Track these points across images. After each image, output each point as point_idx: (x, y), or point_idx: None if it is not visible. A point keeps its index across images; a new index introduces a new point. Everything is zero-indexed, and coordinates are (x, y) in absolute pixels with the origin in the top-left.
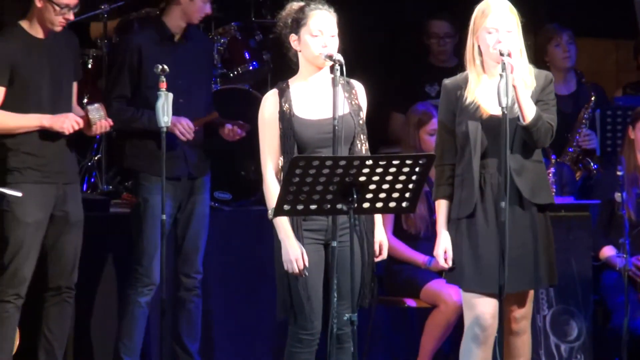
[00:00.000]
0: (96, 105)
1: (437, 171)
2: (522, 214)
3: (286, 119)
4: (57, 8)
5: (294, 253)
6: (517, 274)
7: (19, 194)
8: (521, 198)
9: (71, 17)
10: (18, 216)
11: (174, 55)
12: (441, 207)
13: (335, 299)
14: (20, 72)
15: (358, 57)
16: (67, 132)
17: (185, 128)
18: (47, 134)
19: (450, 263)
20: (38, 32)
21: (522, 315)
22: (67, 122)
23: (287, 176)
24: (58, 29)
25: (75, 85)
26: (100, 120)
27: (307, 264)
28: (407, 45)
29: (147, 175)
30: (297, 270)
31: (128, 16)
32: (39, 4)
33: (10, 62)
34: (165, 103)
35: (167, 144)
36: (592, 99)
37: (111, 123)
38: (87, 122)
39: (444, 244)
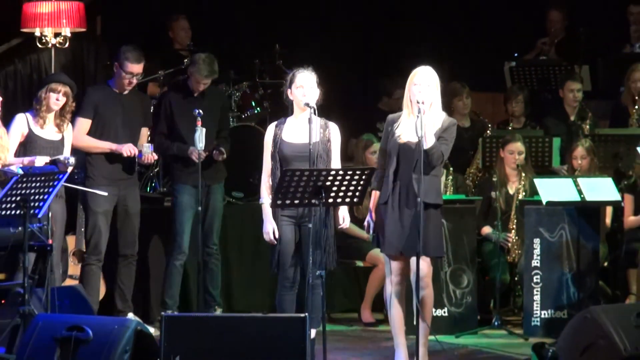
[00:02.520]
0: (148, 144)
1: (377, 173)
2: (416, 207)
3: (276, 141)
4: (124, 74)
5: (268, 228)
6: (407, 245)
7: (105, 194)
8: (416, 197)
9: (134, 81)
10: (93, 208)
11: (194, 106)
12: (374, 195)
13: (311, 261)
14: (100, 111)
15: (338, 102)
16: (125, 155)
17: (197, 154)
18: (113, 156)
19: (371, 231)
20: (116, 88)
21: (424, 274)
22: (126, 148)
23: (280, 181)
24: (126, 88)
25: (144, 130)
26: (147, 155)
27: (277, 236)
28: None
29: (177, 183)
30: (269, 239)
31: (176, 79)
32: (115, 70)
33: (94, 104)
34: (200, 134)
35: (190, 162)
36: (489, 129)
37: (155, 157)
38: (140, 153)
39: (368, 218)
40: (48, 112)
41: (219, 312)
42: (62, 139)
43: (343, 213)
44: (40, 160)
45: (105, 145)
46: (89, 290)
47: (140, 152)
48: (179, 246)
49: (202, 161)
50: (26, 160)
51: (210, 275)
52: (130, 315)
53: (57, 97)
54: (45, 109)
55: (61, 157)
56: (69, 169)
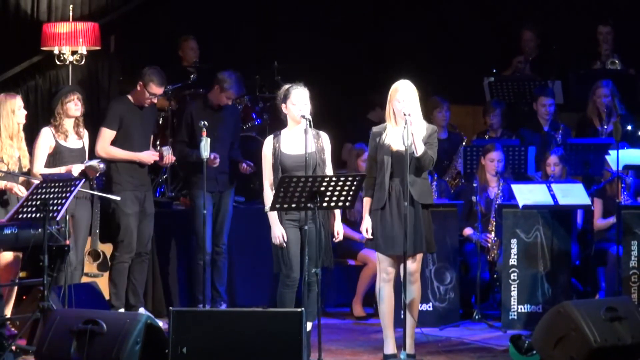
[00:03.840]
0: (167, 147)
1: (366, 181)
2: (413, 209)
3: (276, 153)
4: (148, 94)
5: (278, 232)
6: (410, 244)
7: (118, 198)
8: (413, 199)
9: (155, 101)
10: (124, 210)
11: (214, 117)
12: (366, 201)
13: (307, 260)
14: (124, 124)
15: (329, 113)
16: (150, 162)
17: (215, 161)
18: (136, 163)
19: (370, 235)
20: (136, 103)
21: (414, 270)
22: (151, 156)
23: (278, 187)
24: (146, 105)
25: (152, 136)
26: (168, 156)
27: (286, 239)
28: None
29: (194, 188)
30: (278, 243)
31: (183, 93)
32: (139, 89)
33: (120, 116)
34: (205, 144)
35: (206, 170)
36: (464, 141)
37: (174, 157)
38: (161, 156)
39: (366, 224)
40: (69, 119)
41: (224, 307)
42: (83, 145)
43: (338, 228)
44: (77, 169)
45: (130, 156)
46: (120, 286)
47: (161, 155)
48: (201, 247)
49: (219, 169)
50: (64, 169)
51: (218, 273)
52: (142, 310)
53: (75, 104)
54: (65, 119)
55: (94, 164)
56: (97, 174)
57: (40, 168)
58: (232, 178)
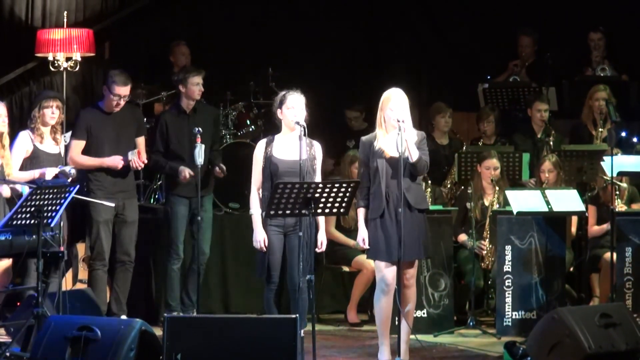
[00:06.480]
0: (133, 151)
1: (360, 191)
2: (410, 214)
3: (267, 157)
4: (112, 96)
5: (259, 237)
6: (407, 250)
7: (112, 204)
8: (409, 205)
9: (122, 103)
10: (95, 217)
11: (187, 124)
12: (361, 212)
13: (302, 266)
14: (93, 132)
15: (323, 121)
16: (118, 167)
17: (185, 175)
18: (111, 171)
19: (367, 245)
20: (106, 109)
21: (411, 275)
22: (118, 161)
23: (272, 193)
24: (115, 109)
25: (140, 139)
26: (132, 159)
27: (267, 244)
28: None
29: (172, 194)
30: (259, 247)
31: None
32: (104, 93)
33: (86, 125)
34: (199, 150)
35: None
36: (464, 147)
37: (144, 160)
38: (127, 160)
39: (362, 234)
40: (44, 126)
41: (194, 314)
42: (60, 151)
43: (321, 238)
44: (50, 172)
45: (96, 162)
46: (97, 294)
47: (127, 160)
48: (176, 252)
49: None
50: (37, 173)
51: (194, 281)
52: (124, 318)
53: (52, 112)
54: (41, 125)
55: (66, 169)
56: (69, 179)
57: (14, 171)
58: (210, 183)
